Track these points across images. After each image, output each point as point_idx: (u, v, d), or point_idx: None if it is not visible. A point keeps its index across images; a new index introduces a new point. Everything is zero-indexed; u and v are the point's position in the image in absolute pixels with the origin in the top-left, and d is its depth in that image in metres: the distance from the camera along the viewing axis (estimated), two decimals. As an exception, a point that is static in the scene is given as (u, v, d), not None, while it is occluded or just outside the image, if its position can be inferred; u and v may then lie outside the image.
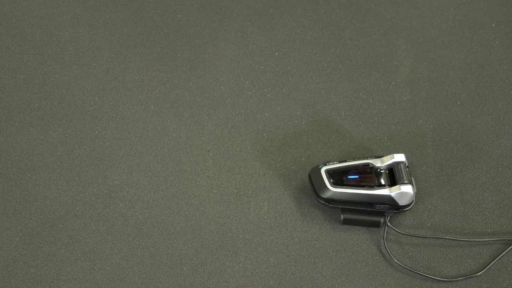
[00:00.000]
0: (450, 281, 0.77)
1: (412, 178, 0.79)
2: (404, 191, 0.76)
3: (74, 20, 0.95)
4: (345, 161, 0.78)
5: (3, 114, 0.88)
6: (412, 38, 0.92)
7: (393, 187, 0.76)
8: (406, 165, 0.78)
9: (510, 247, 0.78)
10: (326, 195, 0.76)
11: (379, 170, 0.79)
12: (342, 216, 0.78)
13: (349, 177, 0.78)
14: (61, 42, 0.93)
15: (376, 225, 0.79)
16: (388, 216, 0.79)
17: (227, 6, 0.95)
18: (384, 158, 0.79)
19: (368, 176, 0.78)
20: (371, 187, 0.77)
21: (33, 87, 0.90)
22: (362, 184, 0.77)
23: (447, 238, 0.79)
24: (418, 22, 0.94)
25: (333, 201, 0.77)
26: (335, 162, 0.79)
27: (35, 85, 0.90)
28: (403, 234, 0.79)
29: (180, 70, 0.91)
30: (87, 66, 0.91)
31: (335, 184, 0.77)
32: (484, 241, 0.79)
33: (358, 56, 0.91)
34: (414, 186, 0.78)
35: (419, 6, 0.95)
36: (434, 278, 0.77)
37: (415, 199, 0.79)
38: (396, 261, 0.78)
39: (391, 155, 0.79)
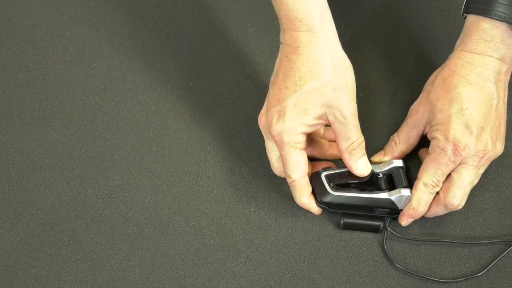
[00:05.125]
0: (450, 282, 0.77)
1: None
2: (403, 195, 0.76)
3: (74, 21, 0.95)
4: (344, 167, 0.78)
5: (4, 114, 0.88)
6: (412, 38, 0.92)
7: (392, 191, 0.77)
8: (405, 170, 0.79)
9: (510, 248, 0.78)
10: (327, 199, 0.76)
11: (378, 174, 0.79)
12: (342, 221, 0.78)
13: (348, 181, 0.78)
14: (61, 42, 0.93)
15: (376, 230, 0.79)
16: (387, 220, 0.79)
17: (227, 6, 0.95)
18: (382, 163, 0.80)
19: (367, 180, 0.78)
20: (370, 191, 0.77)
21: (33, 87, 0.90)
22: (362, 188, 0.77)
23: (447, 241, 0.79)
24: (418, 22, 0.94)
25: (333, 205, 0.77)
26: (335, 169, 0.79)
27: (36, 86, 0.90)
28: (404, 238, 0.79)
29: (181, 70, 0.91)
30: (88, 67, 0.91)
31: (335, 188, 0.77)
32: (485, 242, 0.79)
33: (358, 56, 0.91)
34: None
35: (419, 6, 0.95)
36: (434, 280, 0.77)
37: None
38: (396, 262, 0.78)
39: (390, 160, 0.80)
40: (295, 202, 0.79)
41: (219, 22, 0.94)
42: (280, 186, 0.83)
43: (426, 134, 0.78)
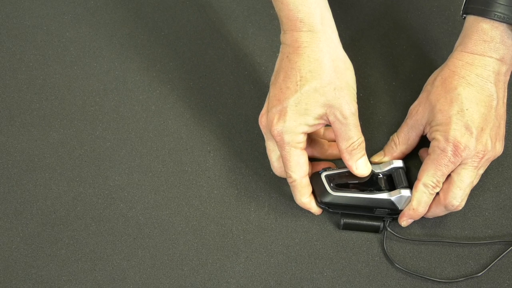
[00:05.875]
0: (450, 282, 0.77)
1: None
2: (403, 195, 0.76)
3: (75, 21, 0.95)
4: (344, 167, 0.78)
5: (4, 114, 0.88)
6: (412, 38, 0.92)
7: (392, 192, 0.77)
8: (405, 170, 0.79)
9: (510, 248, 0.79)
10: (327, 199, 0.76)
11: (378, 175, 0.79)
12: (342, 221, 0.78)
13: (348, 181, 0.78)
14: (62, 42, 0.93)
15: (376, 230, 0.79)
16: (387, 221, 0.79)
17: (227, 6, 0.95)
18: (382, 164, 0.80)
19: (367, 180, 0.78)
20: (370, 191, 0.77)
21: (34, 87, 0.90)
22: (362, 188, 0.77)
23: (447, 241, 0.79)
24: (418, 22, 0.94)
25: (333, 205, 0.77)
26: (335, 169, 0.79)
27: (36, 86, 0.90)
28: (404, 238, 0.79)
29: (181, 70, 0.91)
30: (88, 67, 0.91)
31: (335, 188, 0.77)
32: (485, 242, 0.79)
33: (358, 56, 0.91)
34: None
35: (419, 6, 0.95)
36: (434, 280, 0.77)
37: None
38: (396, 262, 0.78)
39: (390, 161, 0.80)
40: (295, 202, 0.79)
41: (219, 22, 0.94)
42: (280, 186, 0.83)
43: (426, 134, 0.78)
